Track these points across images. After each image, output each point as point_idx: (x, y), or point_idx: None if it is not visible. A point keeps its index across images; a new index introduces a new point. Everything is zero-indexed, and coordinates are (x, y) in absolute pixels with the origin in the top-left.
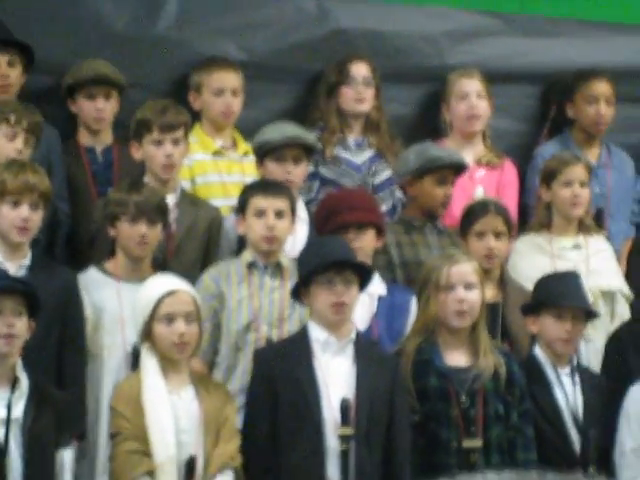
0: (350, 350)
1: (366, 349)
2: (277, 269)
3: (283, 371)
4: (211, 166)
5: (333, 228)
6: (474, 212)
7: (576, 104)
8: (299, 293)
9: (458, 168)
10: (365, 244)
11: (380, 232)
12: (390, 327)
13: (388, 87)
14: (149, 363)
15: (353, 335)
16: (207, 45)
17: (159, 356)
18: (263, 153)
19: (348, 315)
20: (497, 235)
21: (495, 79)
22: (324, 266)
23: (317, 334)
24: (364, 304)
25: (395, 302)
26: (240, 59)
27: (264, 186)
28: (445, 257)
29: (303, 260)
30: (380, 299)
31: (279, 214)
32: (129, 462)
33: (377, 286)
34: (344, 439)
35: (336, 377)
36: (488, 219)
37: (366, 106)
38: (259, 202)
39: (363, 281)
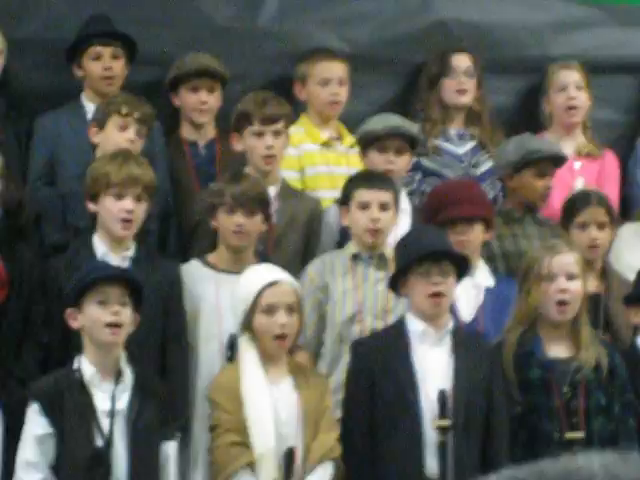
0: (448, 341)
1: (464, 340)
2: (381, 261)
3: (381, 362)
4: (319, 157)
5: (442, 221)
6: (576, 203)
7: None
8: (397, 284)
9: (557, 160)
10: (473, 237)
11: (489, 225)
12: (497, 319)
13: (489, 78)
14: (249, 354)
15: (451, 326)
16: (308, 37)
17: (259, 347)
18: (366, 143)
19: (445, 306)
20: (600, 226)
21: (596, 70)
22: (421, 256)
23: (414, 325)
24: (471, 295)
25: (502, 293)
26: (342, 51)
27: (368, 178)
28: (547, 247)
29: (401, 251)
30: (487, 290)
31: (383, 206)
32: (229, 454)
33: (484, 277)
34: (442, 430)
35: (434, 369)
36: (590, 210)
37: (468, 98)
38: (363, 194)
39: (461, 272)
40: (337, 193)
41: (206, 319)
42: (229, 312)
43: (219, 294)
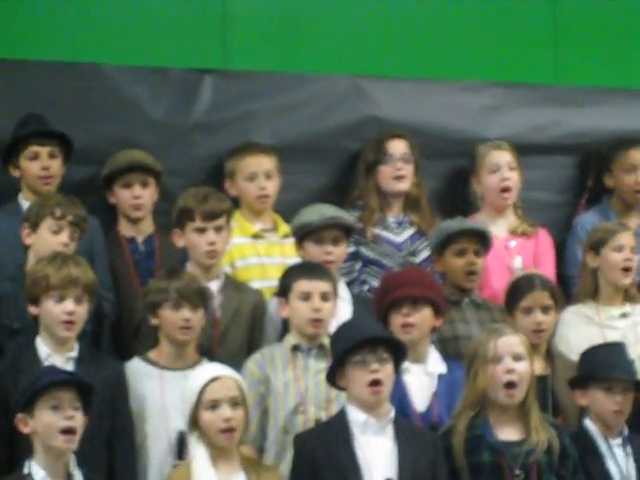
0: (390, 430)
1: (405, 428)
2: (321, 351)
3: (324, 455)
4: (250, 249)
5: (387, 305)
6: (520, 288)
7: (614, 173)
8: (334, 376)
9: (477, 236)
10: (420, 321)
11: (439, 310)
12: (451, 405)
13: (421, 163)
14: (198, 452)
15: (392, 415)
16: (242, 131)
17: (208, 444)
18: (302, 235)
19: (385, 394)
20: (544, 309)
21: (530, 151)
22: (355, 344)
23: (355, 415)
24: (423, 384)
25: (454, 379)
26: (274, 143)
27: (308, 269)
28: (492, 330)
29: (335, 341)
30: (439, 377)
31: (324, 296)
32: None
33: (436, 364)
34: None
35: (377, 458)
36: (535, 294)
37: (405, 184)
38: (304, 285)
39: (399, 358)
40: (269, 283)
41: (153, 417)
42: (175, 409)
43: (164, 392)
